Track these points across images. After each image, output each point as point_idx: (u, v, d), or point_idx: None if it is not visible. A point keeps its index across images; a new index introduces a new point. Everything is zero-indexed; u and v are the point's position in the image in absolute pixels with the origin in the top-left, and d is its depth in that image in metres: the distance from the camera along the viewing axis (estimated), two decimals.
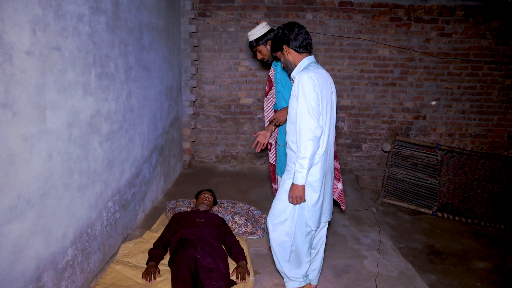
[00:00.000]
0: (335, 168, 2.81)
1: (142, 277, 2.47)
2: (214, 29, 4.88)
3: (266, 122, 3.06)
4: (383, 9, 4.81)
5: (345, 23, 4.86)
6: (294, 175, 2.13)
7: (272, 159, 3.11)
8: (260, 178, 4.91)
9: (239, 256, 2.72)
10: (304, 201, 2.18)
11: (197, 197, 3.38)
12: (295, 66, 2.26)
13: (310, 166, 2.11)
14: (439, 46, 4.91)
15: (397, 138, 4.74)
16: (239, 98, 5.08)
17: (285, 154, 2.88)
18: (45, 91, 1.85)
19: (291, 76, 2.29)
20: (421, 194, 4.69)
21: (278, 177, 3.02)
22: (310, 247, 2.39)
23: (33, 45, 1.73)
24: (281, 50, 2.28)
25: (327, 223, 2.51)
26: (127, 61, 2.87)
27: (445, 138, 5.17)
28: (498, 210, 4.46)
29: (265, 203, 4.10)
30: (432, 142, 4.73)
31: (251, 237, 3.25)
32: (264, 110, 3.09)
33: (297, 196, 2.14)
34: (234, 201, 3.67)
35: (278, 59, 2.39)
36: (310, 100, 2.08)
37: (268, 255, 3.00)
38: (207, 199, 3.26)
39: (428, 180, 4.67)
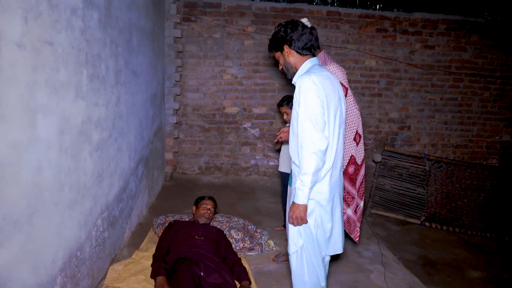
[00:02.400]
0: (346, 191, 2.66)
1: None
2: (199, 35, 4.67)
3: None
4: (370, 20, 4.83)
5: (332, 33, 4.82)
6: (294, 193, 1.87)
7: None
8: (246, 191, 4.70)
9: (241, 275, 2.50)
10: (306, 222, 1.91)
11: (197, 204, 3.08)
12: (296, 70, 1.99)
13: (314, 183, 1.84)
14: (423, 58, 4.99)
15: (385, 149, 4.72)
16: (224, 107, 4.87)
17: None
18: (36, 91, 1.57)
19: (293, 82, 2.01)
20: (409, 204, 4.67)
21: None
22: (326, 273, 2.10)
23: (24, 35, 1.47)
24: (281, 50, 2.00)
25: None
26: (117, 63, 2.61)
27: (429, 148, 5.23)
28: (484, 219, 4.52)
29: (256, 217, 3.90)
30: (420, 152, 4.75)
31: (249, 253, 3.04)
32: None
33: (297, 216, 1.87)
34: (228, 215, 3.43)
35: (276, 60, 2.14)
36: (312, 108, 1.80)
37: (271, 273, 2.79)
38: (208, 212, 2.97)
39: (416, 190, 4.66)
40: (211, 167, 4.98)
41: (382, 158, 4.70)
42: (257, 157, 5.01)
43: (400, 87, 5.02)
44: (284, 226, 3.52)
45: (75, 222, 2.00)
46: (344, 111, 2.02)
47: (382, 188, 4.75)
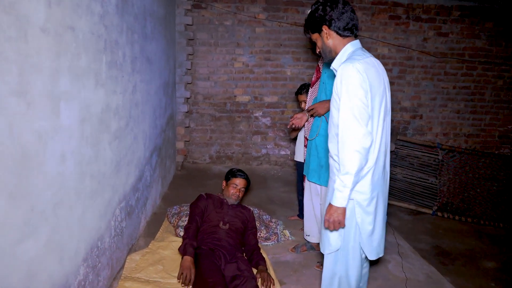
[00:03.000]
0: None
1: (178, 278, 2.23)
2: (209, 22, 4.59)
3: (306, 129, 2.85)
4: (383, 7, 4.72)
5: None
6: (333, 194, 1.69)
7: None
8: (258, 180, 4.67)
9: (260, 261, 2.49)
10: (343, 226, 1.75)
11: (227, 180, 2.85)
12: (336, 53, 1.80)
13: (355, 184, 1.67)
14: (436, 46, 4.89)
15: (398, 138, 4.66)
16: (235, 96, 4.81)
17: (315, 153, 2.67)
18: (60, 78, 1.53)
19: (331, 67, 1.81)
20: (421, 194, 4.64)
21: (308, 181, 2.81)
22: (360, 277, 1.96)
23: (48, 20, 1.41)
24: (319, 31, 1.80)
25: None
26: (133, 50, 2.55)
27: (441, 138, 5.17)
28: (497, 208, 4.48)
29: (269, 206, 3.88)
30: (433, 142, 4.70)
31: (266, 243, 3.01)
32: (307, 101, 2.86)
33: (335, 220, 1.70)
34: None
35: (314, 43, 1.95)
36: (356, 100, 1.62)
37: (288, 263, 2.77)
38: (238, 193, 2.77)
39: (428, 179, 4.62)
40: (222, 156, 4.95)
41: (396, 148, 4.66)
42: (268, 146, 4.96)
43: (412, 75, 4.94)
44: (299, 216, 3.49)
45: (95, 212, 1.98)
46: (389, 101, 1.82)
47: (394, 177, 4.71)
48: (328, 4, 1.76)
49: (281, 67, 4.77)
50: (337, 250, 1.84)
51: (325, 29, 1.78)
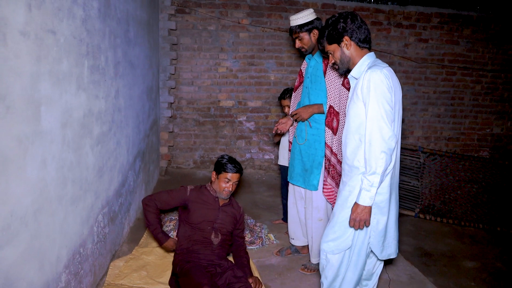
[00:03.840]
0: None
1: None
2: (193, 27, 4.59)
3: (291, 132, 2.88)
4: (365, 13, 4.82)
5: None
6: (359, 194, 1.77)
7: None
8: (243, 184, 4.67)
9: (244, 262, 2.49)
10: (368, 225, 1.83)
11: (218, 172, 2.46)
12: (353, 63, 1.90)
13: (380, 184, 1.76)
14: (417, 51, 5.02)
15: None
16: (219, 101, 4.82)
17: (299, 157, 2.69)
18: (40, 82, 1.51)
19: (349, 76, 1.94)
20: (403, 197, 4.72)
21: (292, 185, 2.83)
22: (359, 279, 2.06)
23: (28, 24, 1.40)
24: (339, 42, 1.89)
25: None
26: (116, 55, 2.54)
27: (422, 141, 5.29)
28: (477, 210, 4.60)
29: (254, 211, 3.89)
30: (414, 145, 4.80)
31: (250, 247, 3.02)
32: (290, 106, 2.89)
33: (361, 219, 1.78)
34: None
35: (325, 53, 2.03)
36: (385, 103, 1.72)
37: (273, 266, 2.78)
38: (230, 189, 2.44)
39: (410, 182, 4.71)
40: (206, 161, 4.93)
41: None
42: (252, 151, 4.98)
43: None
44: (283, 219, 3.51)
45: (77, 218, 1.95)
46: (401, 110, 1.93)
47: None
48: (349, 17, 1.88)
49: (265, 72, 4.81)
50: (346, 249, 1.91)
51: (346, 40, 1.88)
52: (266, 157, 5.02)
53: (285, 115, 3.13)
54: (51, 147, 1.63)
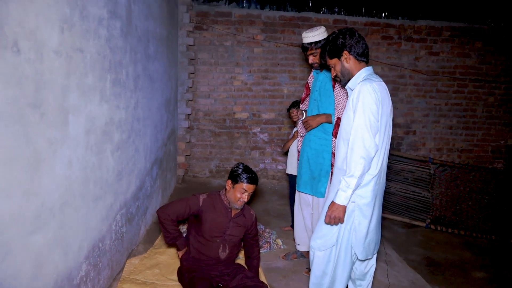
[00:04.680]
0: None
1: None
2: (210, 43, 4.87)
3: (300, 129, 3.04)
4: (376, 28, 4.98)
5: None
6: (336, 193, 1.94)
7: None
8: (256, 194, 4.84)
9: (253, 264, 2.61)
10: (342, 222, 1.99)
11: (235, 182, 2.36)
12: (352, 75, 2.06)
13: (357, 186, 1.91)
14: (428, 64, 5.12)
15: (390, 153, 4.83)
16: (234, 113, 5.05)
17: (307, 166, 2.82)
18: (69, 94, 1.75)
19: (346, 87, 2.10)
20: (414, 207, 4.77)
21: (299, 193, 2.97)
22: (349, 277, 2.19)
23: (60, 44, 1.65)
24: (339, 56, 2.05)
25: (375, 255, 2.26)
26: (136, 69, 2.80)
27: (434, 153, 5.33)
28: (488, 221, 4.59)
29: (265, 218, 4.04)
30: (425, 156, 4.86)
31: None
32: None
33: (336, 216, 1.94)
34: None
35: (326, 67, 2.16)
36: (370, 114, 1.88)
37: (279, 269, 2.92)
38: (245, 199, 2.37)
39: (421, 193, 4.76)
40: (221, 170, 5.14)
41: (388, 163, 4.81)
42: (266, 161, 5.16)
43: (405, 93, 5.15)
44: (292, 226, 3.65)
45: (98, 215, 2.17)
46: (391, 123, 2.07)
47: (388, 191, 4.85)
48: (348, 33, 2.04)
49: (278, 85, 5.02)
50: (332, 246, 2.07)
51: (345, 54, 2.03)
52: (279, 167, 5.19)
53: (294, 125, 3.31)
54: (77, 150, 1.86)
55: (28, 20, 1.40)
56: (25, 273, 1.47)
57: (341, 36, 2.04)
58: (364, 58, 2.06)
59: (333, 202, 1.96)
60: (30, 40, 1.41)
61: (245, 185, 2.33)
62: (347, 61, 2.04)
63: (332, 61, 2.10)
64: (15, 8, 1.32)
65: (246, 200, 2.38)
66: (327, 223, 2.02)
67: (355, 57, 2.04)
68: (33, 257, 1.51)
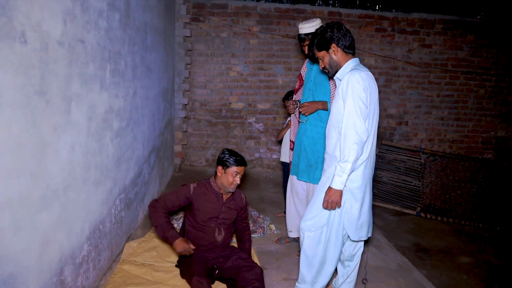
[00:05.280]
0: None
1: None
2: (207, 34, 4.94)
3: (293, 119, 3.12)
4: (369, 20, 5.06)
5: None
6: (332, 179, 2.03)
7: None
8: (251, 182, 4.97)
9: (246, 246, 2.71)
10: (340, 207, 2.09)
11: (226, 166, 2.44)
12: (340, 67, 2.15)
13: (351, 171, 2.01)
14: (420, 56, 5.22)
15: (382, 143, 4.95)
16: (230, 103, 5.14)
17: (304, 155, 2.90)
18: (71, 83, 1.85)
19: (334, 77, 2.20)
20: (405, 196, 4.91)
21: (292, 177, 3.07)
22: (339, 259, 2.31)
23: (63, 35, 1.74)
24: (327, 49, 2.14)
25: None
26: (134, 60, 2.89)
27: (426, 143, 5.46)
28: (477, 209, 4.74)
29: (260, 205, 4.17)
30: (416, 146, 4.98)
31: (253, 235, 3.29)
32: None
33: (333, 201, 2.04)
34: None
35: (315, 59, 2.29)
36: (359, 101, 1.98)
37: (272, 252, 3.05)
38: (237, 180, 2.45)
39: (412, 182, 4.90)
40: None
41: (380, 152, 4.94)
42: (261, 151, 5.27)
43: (398, 84, 5.25)
44: (285, 212, 3.77)
45: (98, 198, 2.28)
46: (378, 110, 2.17)
47: (380, 180, 4.99)
48: (336, 27, 2.14)
49: (274, 76, 5.11)
50: (323, 226, 2.17)
51: (333, 46, 2.13)
52: (274, 156, 5.30)
53: (289, 115, 3.41)
54: (79, 136, 1.96)
55: (34, 12, 1.49)
56: (34, 249, 1.58)
57: (329, 30, 2.13)
58: (351, 50, 2.15)
59: (329, 188, 2.05)
60: (36, 32, 1.50)
61: (236, 168, 2.42)
62: (335, 53, 2.14)
63: (321, 54, 2.19)
64: (23, 1, 1.41)
65: (239, 182, 2.47)
66: (324, 208, 2.11)
67: (343, 50, 2.13)
68: (41, 234, 1.62)
